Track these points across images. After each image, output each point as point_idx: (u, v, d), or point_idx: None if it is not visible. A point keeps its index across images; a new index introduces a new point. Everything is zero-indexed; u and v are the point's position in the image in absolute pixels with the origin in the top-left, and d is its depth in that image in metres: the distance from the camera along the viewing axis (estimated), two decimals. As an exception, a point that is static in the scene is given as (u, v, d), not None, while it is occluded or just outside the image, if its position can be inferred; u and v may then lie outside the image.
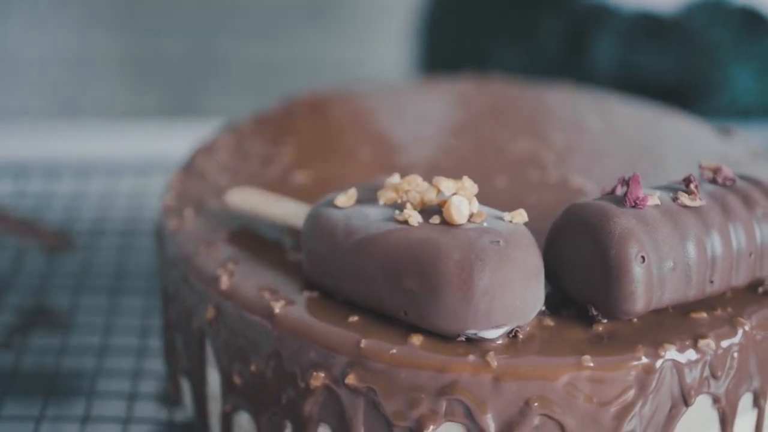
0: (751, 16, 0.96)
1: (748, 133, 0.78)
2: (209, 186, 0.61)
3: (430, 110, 0.72)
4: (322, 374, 0.48)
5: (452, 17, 1.09)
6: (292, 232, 0.55)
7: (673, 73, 0.94)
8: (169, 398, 0.59)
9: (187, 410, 0.58)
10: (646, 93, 0.94)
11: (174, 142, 0.85)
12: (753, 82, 0.96)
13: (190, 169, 0.63)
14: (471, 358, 0.47)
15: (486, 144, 0.67)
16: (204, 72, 1.88)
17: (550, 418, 0.47)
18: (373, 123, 0.69)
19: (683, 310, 0.50)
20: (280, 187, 0.60)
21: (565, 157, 0.64)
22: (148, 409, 0.59)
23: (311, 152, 0.64)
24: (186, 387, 0.57)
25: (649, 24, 0.97)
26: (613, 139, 0.68)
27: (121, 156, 0.85)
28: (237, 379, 0.52)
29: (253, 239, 0.56)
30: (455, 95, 0.74)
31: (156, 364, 0.62)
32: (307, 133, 0.67)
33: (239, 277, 0.52)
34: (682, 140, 0.68)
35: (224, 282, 0.52)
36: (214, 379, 0.54)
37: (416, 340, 0.47)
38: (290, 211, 0.55)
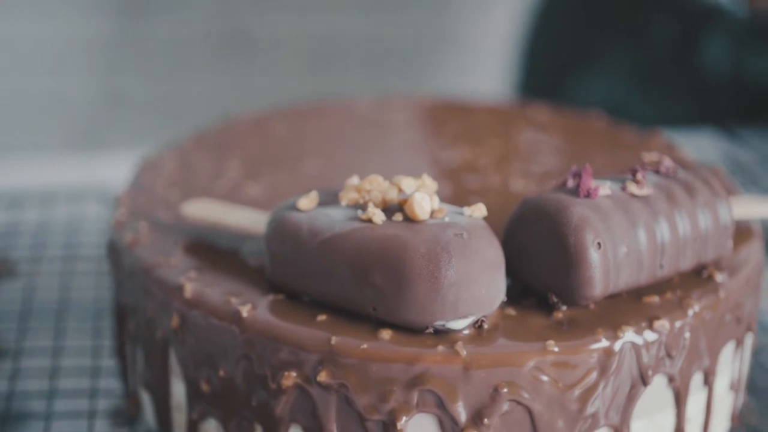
0: None
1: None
2: (160, 201, 0.61)
3: (366, 125, 0.74)
4: (293, 373, 0.49)
5: (562, 16, 1.08)
6: (251, 238, 0.56)
7: None
8: (129, 414, 0.59)
9: (148, 425, 0.58)
10: (757, 96, 0.95)
11: (94, 171, 0.86)
12: None
13: (137, 186, 0.63)
14: (440, 348, 0.48)
15: (424, 153, 0.69)
16: (107, 109, 1.87)
17: (518, 403, 0.48)
18: (314, 138, 0.70)
19: (636, 294, 0.52)
20: (232, 199, 0.60)
21: (501, 162, 0.67)
22: (107, 426, 0.59)
23: (258, 166, 0.65)
24: (147, 401, 0.57)
25: (763, 28, 0.97)
26: (544, 144, 0.71)
27: (52, 186, 0.84)
28: (204, 386, 0.52)
29: (211, 248, 0.56)
30: (388, 110, 0.76)
31: (111, 383, 0.62)
32: (250, 148, 0.68)
33: (203, 284, 0.53)
34: (607, 143, 0.71)
35: (188, 290, 0.52)
36: (178, 389, 0.54)
37: (385, 334, 0.49)
38: (248, 219, 0.56)
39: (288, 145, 0.69)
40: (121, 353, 0.60)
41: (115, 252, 0.58)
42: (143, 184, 0.63)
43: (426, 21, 1.79)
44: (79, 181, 0.86)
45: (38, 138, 1.78)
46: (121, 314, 0.58)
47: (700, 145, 0.92)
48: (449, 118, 0.75)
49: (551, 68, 1.10)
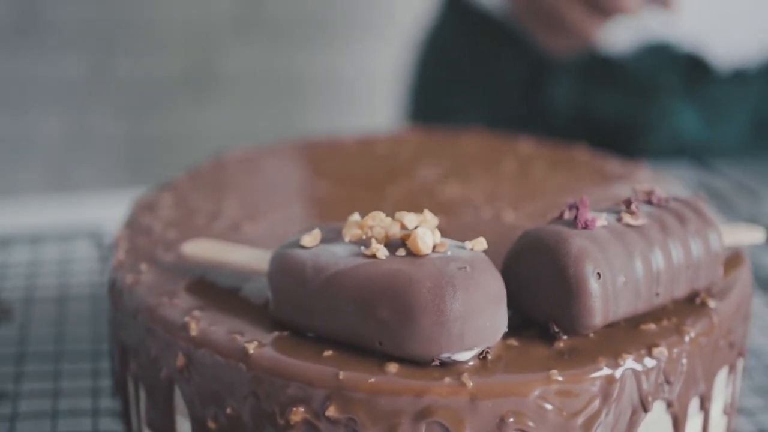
0: (696, 62, 1.01)
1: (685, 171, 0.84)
2: (159, 241, 0.62)
3: (354, 162, 0.75)
4: (301, 409, 0.50)
5: (430, 73, 1.12)
6: (253, 277, 0.56)
7: (623, 112, 0.98)
8: (131, 454, 0.59)
9: (152, 464, 0.58)
10: (600, 132, 0.98)
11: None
12: (696, 123, 1.01)
13: (134, 226, 0.64)
14: (447, 380, 0.49)
15: (416, 189, 0.70)
16: (78, 149, 1.87)
17: (523, 432, 0.49)
18: (305, 175, 0.71)
19: (633, 323, 0.53)
20: (230, 238, 0.61)
21: (491, 196, 0.68)
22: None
23: (253, 205, 0.66)
24: (151, 440, 0.57)
25: (602, 66, 1.01)
26: (530, 178, 0.72)
27: (35, 227, 0.84)
28: (211, 424, 0.53)
29: (213, 287, 0.57)
30: (375, 146, 0.77)
31: (112, 424, 0.62)
32: (244, 187, 0.69)
33: (207, 323, 0.53)
34: (592, 174, 0.73)
35: (193, 329, 0.53)
36: (184, 427, 0.55)
37: (392, 368, 0.49)
38: (250, 257, 0.56)
39: (280, 184, 0.70)
40: (123, 393, 0.60)
41: (116, 293, 0.59)
42: (140, 224, 0.64)
43: (325, 60, 1.83)
44: (53, 222, 0.86)
45: (9, 178, 1.78)
46: (123, 354, 0.59)
47: (673, 174, 0.94)
48: (436, 153, 0.76)
49: (428, 109, 1.13)
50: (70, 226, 0.84)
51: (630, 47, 1.01)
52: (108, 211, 0.84)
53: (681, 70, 1.01)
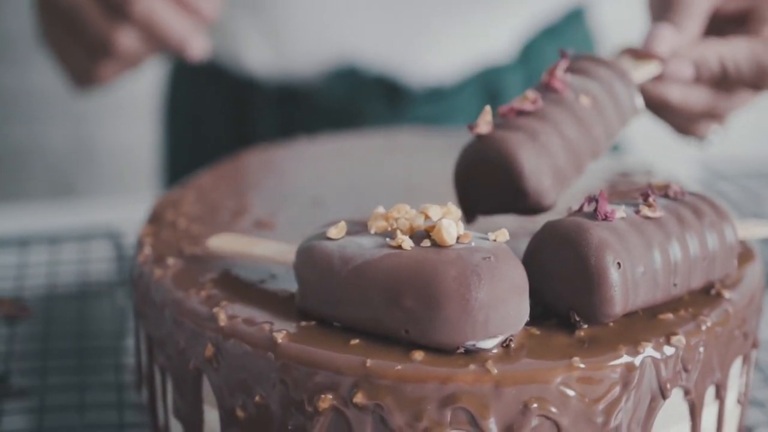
0: (386, 83, 0.98)
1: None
2: (184, 236, 0.63)
3: (365, 158, 0.76)
4: (329, 396, 0.51)
5: (168, 120, 1.11)
6: (277, 269, 0.58)
7: None
8: (158, 446, 0.60)
9: (179, 454, 0.59)
10: None
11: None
12: None
13: (158, 222, 0.65)
14: (472, 367, 0.50)
15: (431, 184, 0.72)
16: (80, 159, 1.89)
17: (547, 418, 0.50)
18: (323, 172, 0.73)
19: (651, 312, 0.55)
20: (253, 233, 0.62)
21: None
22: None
23: (276, 202, 0.67)
24: (179, 431, 0.58)
25: (294, 93, 0.98)
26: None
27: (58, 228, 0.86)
28: (240, 413, 0.54)
29: (239, 280, 0.58)
30: (375, 146, 0.79)
31: (137, 416, 0.63)
32: (266, 185, 0.71)
33: (235, 314, 0.55)
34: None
35: (222, 319, 0.54)
36: (211, 416, 0.56)
37: (418, 356, 0.51)
38: (275, 250, 0.58)
39: (302, 182, 0.71)
40: (149, 385, 0.61)
41: (143, 286, 0.60)
42: (164, 220, 0.65)
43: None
44: (60, 225, 0.87)
45: (17, 186, 1.79)
46: (150, 347, 0.60)
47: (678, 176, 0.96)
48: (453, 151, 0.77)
49: (172, 152, 1.11)
50: (86, 227, 0.85)
51: (317, 73, 0.98)
52: (118, 214, 0.85)
53: (375, 94, 0.98)
